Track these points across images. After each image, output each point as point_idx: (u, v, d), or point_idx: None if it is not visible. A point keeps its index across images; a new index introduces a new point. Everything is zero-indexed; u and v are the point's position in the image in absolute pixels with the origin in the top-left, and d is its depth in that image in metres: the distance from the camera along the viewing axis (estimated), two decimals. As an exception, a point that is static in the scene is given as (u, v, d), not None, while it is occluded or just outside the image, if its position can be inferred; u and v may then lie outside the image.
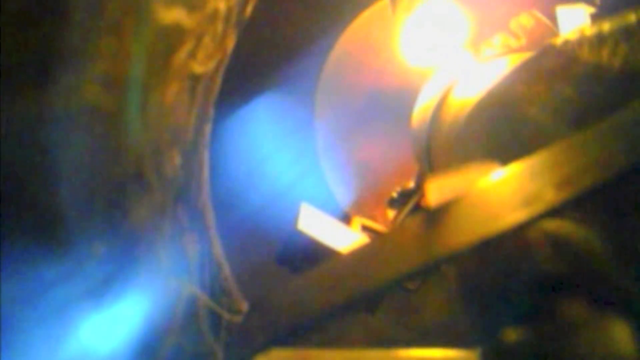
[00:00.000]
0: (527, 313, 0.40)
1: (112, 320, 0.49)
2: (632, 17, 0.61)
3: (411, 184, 1.14)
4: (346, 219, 1.29)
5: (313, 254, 1.06)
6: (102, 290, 0.48)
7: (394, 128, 1.30)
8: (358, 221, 1.26)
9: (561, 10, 0.96)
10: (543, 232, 0.46)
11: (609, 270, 0.45)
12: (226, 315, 0.72)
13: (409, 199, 1.11)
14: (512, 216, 0.43)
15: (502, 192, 0.47)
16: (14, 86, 0.38)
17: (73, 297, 0.46)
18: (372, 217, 1.28)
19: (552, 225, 0.47)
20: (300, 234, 1.09)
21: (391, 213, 1.16)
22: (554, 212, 0.43)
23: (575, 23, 0.97)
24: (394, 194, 1.14)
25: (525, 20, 0.94)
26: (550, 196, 0.43)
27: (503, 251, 0.44)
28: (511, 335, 0.40)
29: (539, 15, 0.96)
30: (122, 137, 0.48)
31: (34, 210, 0.44)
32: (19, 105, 0.39)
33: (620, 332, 0.38)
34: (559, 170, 0.45)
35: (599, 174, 0.44)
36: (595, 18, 0.92)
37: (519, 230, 0.42)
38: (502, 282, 0.43)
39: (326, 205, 1.27)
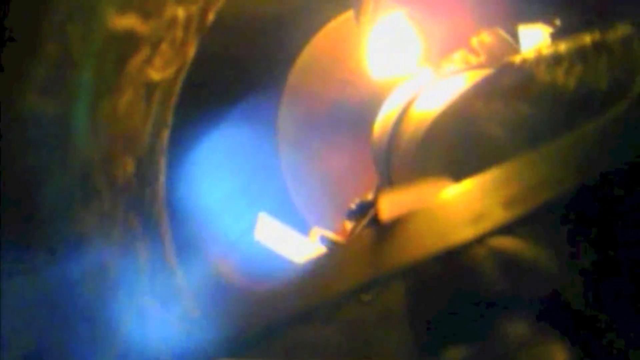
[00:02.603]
0: (471, 331, 0.41)
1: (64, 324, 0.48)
2: (587, 39, 0.62)
3: (370, 196, 1.15)
4: (305, 229, 1.29)
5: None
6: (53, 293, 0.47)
7: (356, 139, 1.31)
8: (317, 232, 1.26)
9: (522, 30, 0.97)
10: (491, 249, 0.46)
11: (556, 289, 0.45)
12: (179, 325, 0.71)
13: (367, 211, 1.11)
14: (460, 233, 0.44)
15: (452, 209, 0.47)
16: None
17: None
18: (331, 228, 1.28)
19: (500, 243, 0.47)
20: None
21: (349, 225, 1.16)
22: (501, 231, 0.43)
23: (535, 42, 0.98)
24: (353, 206, 1.14)
25: (486, 37, 0.95)
26: (498, 215, 0.44)
27: (450, 268, 0.44)
28: (454, 353, 0.40)
29: (501, 32, 0.98)
30: (68, 143, 0.47)
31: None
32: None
33: (559, 355, 0.38)
34: (508, 189, 0.46)
35: (547, 193, 0.45)
36: (554, 38, 0.94)
37: (466, 248, 0.43)
38: (448, 299, 0.44)
39: (286, 215, 1.27)
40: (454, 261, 0.44)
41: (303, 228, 1.28)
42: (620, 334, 0.41)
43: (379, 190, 1.14)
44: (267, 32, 1.27)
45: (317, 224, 1.32)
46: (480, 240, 0.43)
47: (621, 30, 0.55)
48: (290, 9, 1.29)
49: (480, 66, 0.94)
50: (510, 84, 0.76)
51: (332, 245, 1.07)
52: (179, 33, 0.63)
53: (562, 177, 0.46)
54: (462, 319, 0.42)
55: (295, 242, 1.17)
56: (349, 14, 1.25)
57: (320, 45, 1.36)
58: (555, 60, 0.67)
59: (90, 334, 0.53)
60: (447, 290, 0.44)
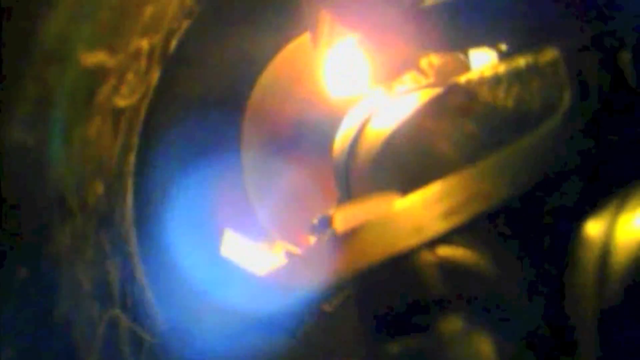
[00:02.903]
0: (410, 328, 0.45)
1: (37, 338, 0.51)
2: (521, 62, 0.67)
3: (331, 211, 1.19)
4: (270, 244, 1.32)
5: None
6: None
7: (318, 156, 1.34)
8: (281, 246, 1.30)
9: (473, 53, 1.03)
10: (435, 257, 0.51)
11: (492, 291, 0.50)
12: (148, 338, 0.75)
13: (328, 225, 1.15)
14: (404, 242, 0.48)
15: (398, 221, 0.52)
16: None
17: None
18: (295, 243, 1.32)
19: (445, 252, 0.52)
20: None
21: (312, 239, 1.20)
22: (440, 239, 0.48)
23: (483, 63, 1.03)
24: (315, 221, 1.18)
25: (434, 59, 1.00)
26: (438, 225, 0.49)
27: (395, 273, 0.49)
28: (393, 347, 0.45)
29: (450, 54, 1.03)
30: (45, 170, 0.51)
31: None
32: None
33: (485, 347, 0.43)
34: (447, 201, 0.51)
35: (481, 205, 0.50)
36: (500, 60, 0.99)
37: (409, 255, 0.47)
38: (393, 300, 0.48)
39: (250, 230, 1.30)
40: (399, 267, 0.48)
41: (267, 243, 1.32)
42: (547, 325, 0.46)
43: (339, 205, 1.18)
44: (229, 52, 1.31)
45: (281, 238, 1.35)
46: (421, 248, 0.47)
47: (549, 54, 0.60)
48: (253, 30, 1.33)
49: (429, 86, 0.99)
50: (456, 103, 0.81)
51: (291, 257, 1.11)
52: (143, 62, 0.67)
53: (494, 190, 0.51)
54: (404, 318, 0.46)
55: (260, 257, 1.20)
56: (306, 35, 1.29)
57: (280, 65, 1.40)
58: (496, 81, 0.73)
59: (67, 342, 0.56)
60: (393, 293, 0.49)
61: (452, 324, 0.45)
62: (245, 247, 1.21)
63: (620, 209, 0.42)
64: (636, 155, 0.46)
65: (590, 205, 0.46)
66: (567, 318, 0.42)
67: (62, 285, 0.55)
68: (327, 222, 1.19)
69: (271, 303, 0.78)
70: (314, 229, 1.22)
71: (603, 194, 0.46)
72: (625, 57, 0.47)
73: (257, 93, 1.40)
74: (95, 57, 0.52)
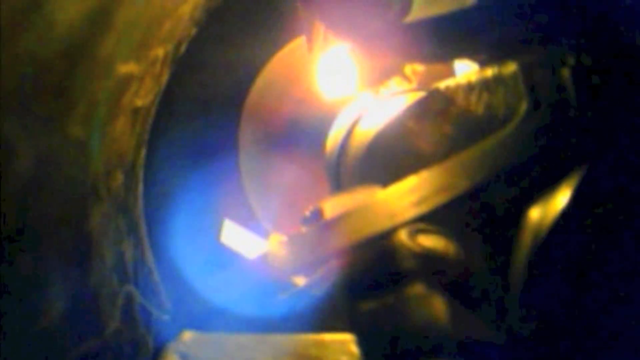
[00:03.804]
0: (381, 293, 0.55)
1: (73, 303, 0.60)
2: (489, 72, 0.76)
3: (323, 204, 1.27)
4: (265, 235, 1.40)
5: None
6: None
7: (311, 154, 1.41)
8: (276, 237, 1.38)
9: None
10: (411, 242, 0.60)
11: (456, 268, 0.59)
12: (156, 312, 0.84)
13: (319, 217, 1.24)
14: (380, 226, 0.58)
15: (376, 208, 0.61)
16: (36, 120, 0.52)
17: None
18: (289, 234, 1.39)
19: (420, 239, 0.61)
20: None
21: (304, 229, 1.28)
22: (410, 223, 0.58)
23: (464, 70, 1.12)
24: (307, 213, 1.26)
25: (417, 66, 1.10)
26: (409, 212, 0.58)
27: (371, 252, 0.58)
28: (364, 305, 0.55)
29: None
30: (88, 160, 0.60)
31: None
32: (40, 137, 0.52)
33: (440, 307, 0.53)
34: (418, 192, 0.60)
35: (447, 196, 0.59)
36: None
37: (385, 236, 0.57)
38: (368, 270, 0.58)
39: (247, 221, 1.38)
40: (375, 246, 0.58)
41: (263, 234, 1.40)
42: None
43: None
44: (229, 54, 1.38)
45: (276, 230, 1.43)
46: (395, 230, 0.57)
47: (511, 66, 0.69)
48: (249, 33, 1.40)
49: (412, 90, 1.08)
50: (436, 107, 0.90)
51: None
52: (158, 67, 0.76)
53: (459, 182, 0.60)
54: (376, 284, 0.56)
55: (256, 245, 1.29)
56: (302, 39, 1.37)
57: (277, 67, 1.48)
58: (470, 88, 0.82)
59: (96, 309, 0.65)
60: (369, 266, 0.58)
61: (416, 288, 0.54)
62: (243, 236, 1.30)
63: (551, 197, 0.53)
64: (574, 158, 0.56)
65: (536, 194, 0.56)
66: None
67: (93, 258, 0.64)
68: (318, 214, 1.28)
69: (264, 285, 0.89)
70: (305, 221, 1.30)
71: (546, 186, 0.56)
72: (566, 73, 0.57)
73: (254, 93, 1.48)
74: (127, 67, 0.62)
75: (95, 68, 0.55)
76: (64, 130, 0.54)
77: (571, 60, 0.57)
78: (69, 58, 0.53)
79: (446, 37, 0.74)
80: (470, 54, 0.83)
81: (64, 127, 0.54)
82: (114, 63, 0.59)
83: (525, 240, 0.52)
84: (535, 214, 0.54)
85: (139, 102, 0.73)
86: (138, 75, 0.66)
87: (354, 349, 0.60)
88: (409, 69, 1.10)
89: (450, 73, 1.10)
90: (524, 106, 0.64)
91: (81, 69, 0.54)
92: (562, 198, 0.52)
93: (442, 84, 0.90)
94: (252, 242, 1.30)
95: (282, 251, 0.70)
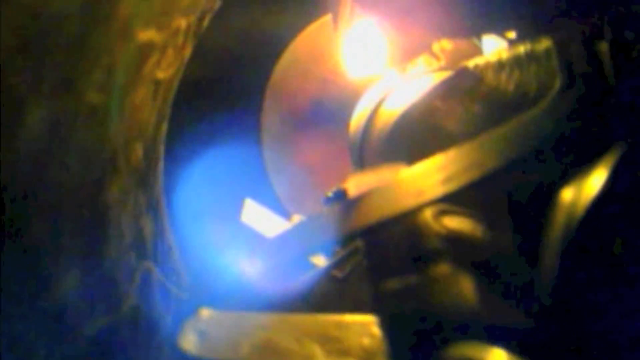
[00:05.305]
0: (406, 271, 0.53)
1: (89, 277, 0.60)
2: (521, 49, 0.73)
3: (345, 184, 1.25)
4: (287, 215, 1.39)
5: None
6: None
7: (334, 133, 1.40)
8: (297, 218, 1.37)
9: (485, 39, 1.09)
10: (437, 224, 0.58)
11: (482, 249, 0.57)
12: (174, 290, 0.83)
13: (342, 198, 1.22)
14: (406, 203, 0.56)
15: (402, 186, 0.59)
16: (44, 92, 0.50)
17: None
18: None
19: (445, 220, 0.59)
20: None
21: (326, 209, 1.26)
22: (438, 201, 0.56)
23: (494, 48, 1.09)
24: (329, 194, 1.24)
25: (446, 44, 1.07)
26: (437, 190, 0.56)
27: (397, 230, 0.56)
28: (390, 283, 0.53)
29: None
30: (106, 129, 0.59)
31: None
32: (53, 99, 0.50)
33: (468, 286, 0.51)
34: (445, 170, 0.58)
35: (475, 173, 0.57)
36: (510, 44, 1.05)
37: (411, 214, 0.55)
38: (394, 249, 0.56)
39: (269, 202, 1.37)
40: (401, 224, 0.56)
41: (285, 215, 1.39)
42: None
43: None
44: (252, 33, 1.37)
45: (297, 211, 1.42)
46: (421, 208, 0.55)
47: (544, 43, 0.67)
48: (275, 11, 1.39)
49: (440, 69, 1.06)
50: (464, 85, 0.87)
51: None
52: (181, 39, 0.74)
53: (488, 160, 0.58)
54: (402, 263, 0.54)
55: (277, 225, 1.28)
56: (328, 17, 1.35)
57: (301, 45, 1.46)
58: (500, 66, 0.79)
59: (112, 282, 0.64)
60: (395, 244, 0.56)
61: (442, 268, 0.52)
62: (264, 216, 1.29)
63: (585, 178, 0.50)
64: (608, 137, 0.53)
65: (569, 175, 0.54)
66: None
67: (110, 232, 0.63)
68: (341, 194, 1.26)
69: (284, 265, 0.87)
70: (328, 201, 1.29)
71: (581, 166, 0.54)
72: (604, 48, 0.54)
73: (278, 71, 1.47)
74: (147, 34, 0.60)
75: (114, 26, 0.53)
76: (80, 95, 0.52)
77: (609, 34, 0.54)
78: (85, 12, 0.51)
79: (478, 10, 0.72)
80: (503, 29, 0.81)
81: (79, 91, 0.52)
82: (133, 26, 0.57)
83: (558, 222, 0.50)
84: (568, 194, 0.51)
85: (161, 75, 0.71)
86: (159, 44, 0.65)
87: (376, 330, 0.58)
88: (437, 46, 1.07)
89: (479, 52, 1.08)
90: (557, 83, 0.61)
91: (99, 27, 0.52)
92: (597, 179, 0.50)
93: (471, 62, 0.88)
94: (272, 221, 1.29)
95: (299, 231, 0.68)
